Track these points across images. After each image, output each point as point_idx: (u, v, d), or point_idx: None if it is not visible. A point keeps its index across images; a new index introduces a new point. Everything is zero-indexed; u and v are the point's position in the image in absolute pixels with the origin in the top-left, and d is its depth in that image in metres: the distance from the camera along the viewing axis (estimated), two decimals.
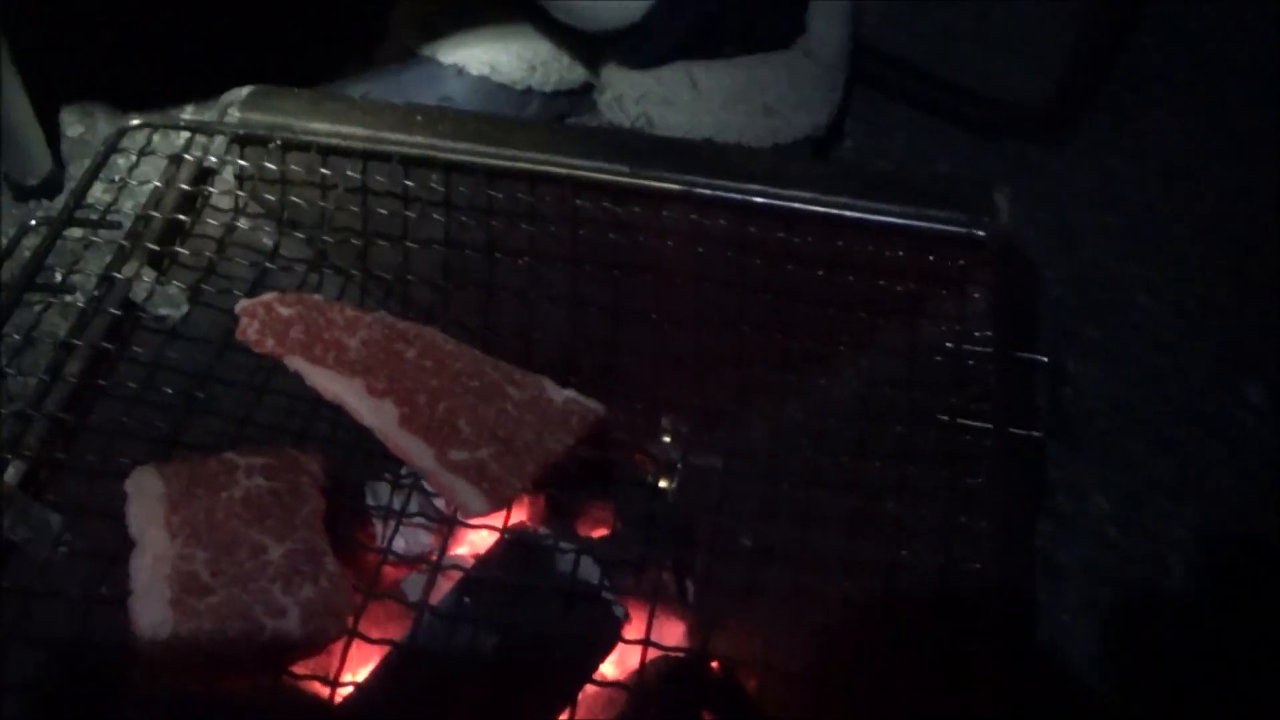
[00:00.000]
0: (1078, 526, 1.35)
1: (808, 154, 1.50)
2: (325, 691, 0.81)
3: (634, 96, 1.49)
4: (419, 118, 1.07)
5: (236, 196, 1.08)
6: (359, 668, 0.90)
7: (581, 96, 1.61)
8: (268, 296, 0.95)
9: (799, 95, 1.49)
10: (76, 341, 0.95)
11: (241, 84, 1.11)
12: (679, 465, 1.15)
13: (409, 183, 1.06)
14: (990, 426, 0.89)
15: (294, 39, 1.70)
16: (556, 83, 1.58)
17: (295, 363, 0.92)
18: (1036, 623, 0.89)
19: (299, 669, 0.80)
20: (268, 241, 1.08)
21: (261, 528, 0.82)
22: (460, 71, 1.53)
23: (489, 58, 1.54)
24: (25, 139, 1.47)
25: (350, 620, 0.80)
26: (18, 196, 1.51)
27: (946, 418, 0.91)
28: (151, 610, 0.78)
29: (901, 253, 1.00)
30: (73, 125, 1.59)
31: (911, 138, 1.66)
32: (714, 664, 0.96)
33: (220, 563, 0.80)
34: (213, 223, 1.06)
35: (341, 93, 1.38)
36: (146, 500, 0.83)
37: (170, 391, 0.94)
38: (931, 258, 1.00)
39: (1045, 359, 0.94)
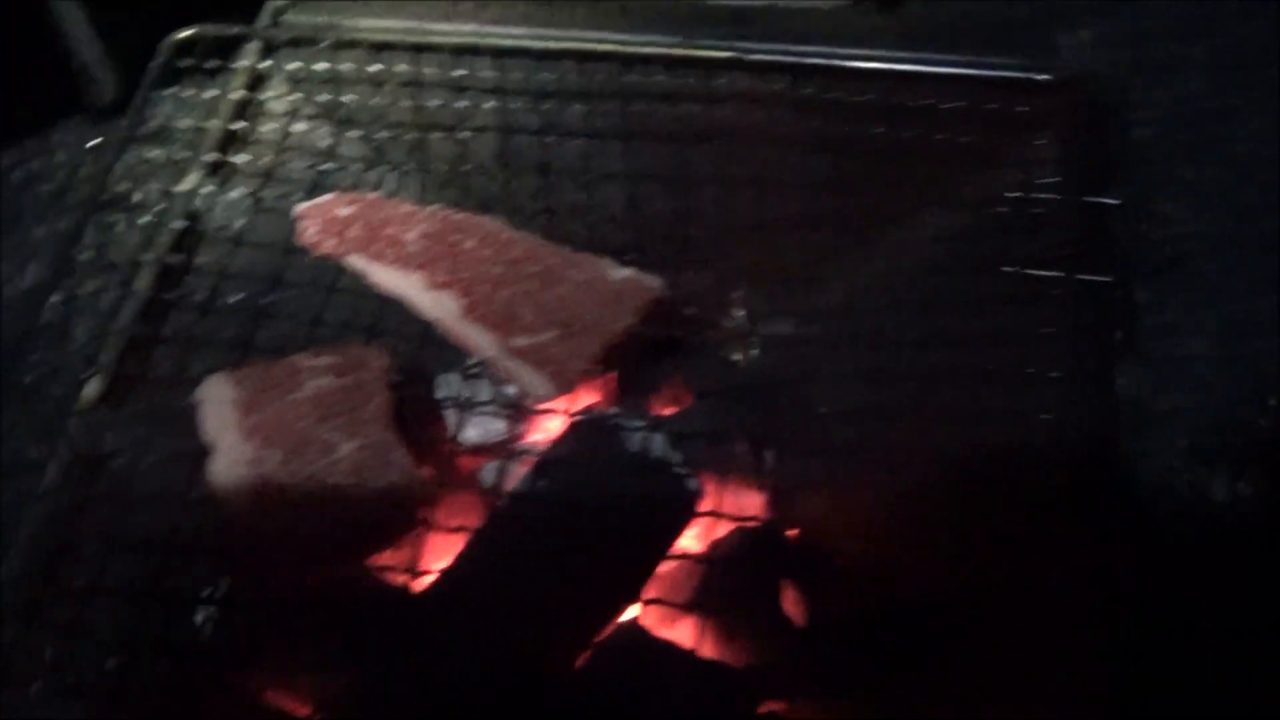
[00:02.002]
0: (1175, 372, 1.31)
1: (872, 8, 1.45)
2: (406, 580, 0.82)
3: None
4: (466, 5, 1.06)
5: (290, 100, 1.09)
6: (440, 557, 0.91)
7: None
8: (325, 198, 0.96)
9: None
10: (146, 256, 0.96)
11: None
12: (753, 335, 1.14)
13: (460, 72, 1.06)
14: (1059, 274, 0.87)
15: None
16: None
17: (356, 261, 0.93)
18: (1120, 469, 0.87)
19: (379, 560, 0.82)
20: (324, 142, 1.08)
21: (331, 426, 0.84)
22: None
23: None
24: (91, 62, 1.48)
25: (424, 511, 0.81)
26: (93, 120, 1.53)
27: (1013, 269, 0.88)
28: (232, 512, 0.80)
29: (963, 102, 0.97)
30: (137, 45, 1.60)
31: None
32: (793, 531, 0.96)
33: (294, 463, 0.82)
34: (269, 128, 1.06)
35: None
36: (219, 406, 0.85)
37: (240, 298, 0.95)
38: (995, 105, 0.97)
39: (1117, 201, 0.91)
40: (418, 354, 0.92)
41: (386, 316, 0.95)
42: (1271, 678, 0.99)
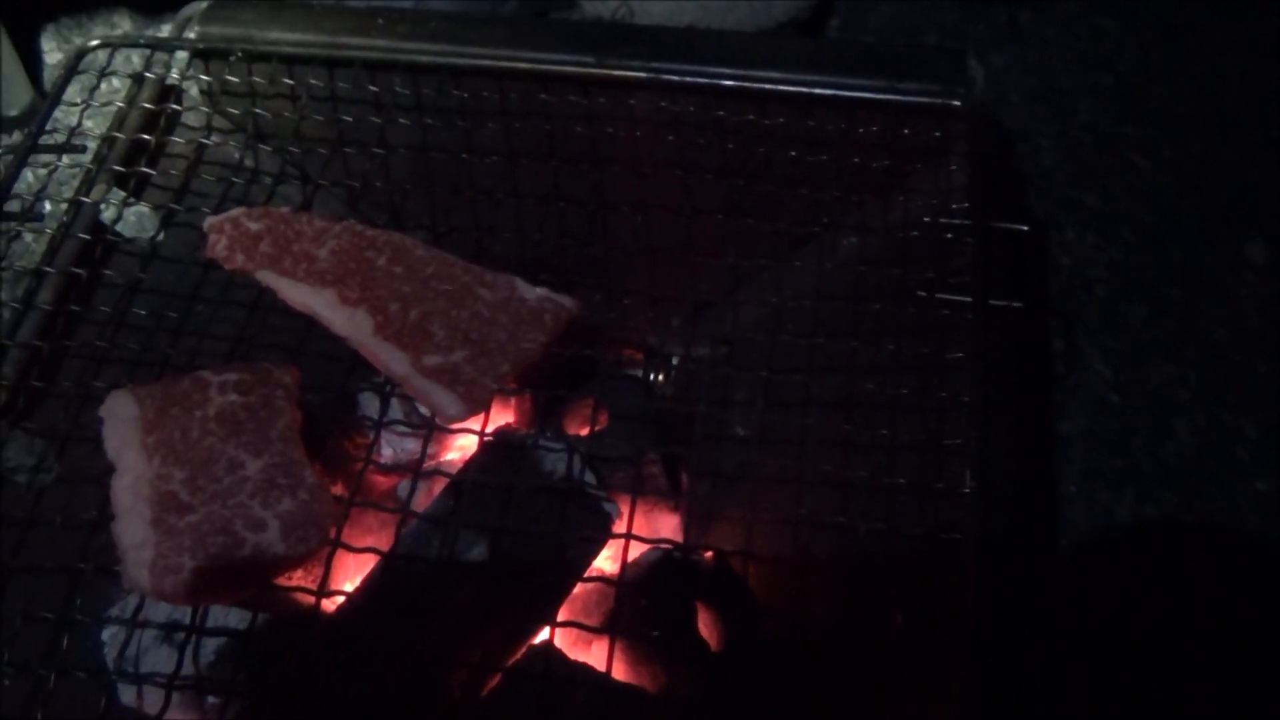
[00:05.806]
0: (1080, 395, 1.34)
1: (790, 35, 1.47)
2: (313, 601, 0.81)
3: None
4: (380, 21, 1.05)
5: (202, 112, 1.07)
6: (349, 577, 0.90)
7: None
8: (235, 212, 0.94)
9: None
10: (48, 269, 0.94)
11: None
12: (669, 357, 1.15)
13: (374, 88, 1.05)
14: (969, 299, 0.88)
15: None
16: None
17: (266, 277, 0.91)
18: (1021, 496, 0.87)
19: (285, 581, 0.80)
20: (236, 155, 1.06)
21: (238, 443, 0.82)
22: None
23: None
24: (2, 70, 1.45)
25: (333, 531, 0.80)
26: (2, 128, 1.50)
27: (924, 293, 0.89)
28: (133, 531, 0.78)
29: (875, 128, 0.98)
30: (52, 53, 1.57)
31: (898, 12, 1.62)
32: (707, 554, 0.96)
33: (198, 480, 0.80)
34: (180, 140, 1.04)
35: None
36: (121, 423, 0.83)
37: (153, 313, 0.93)
38: (906, 131, 0.98)
39: (1025, 228, 0.93)
40: (336, 371, 0.91)
41: (310, 334, 0.93)
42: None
